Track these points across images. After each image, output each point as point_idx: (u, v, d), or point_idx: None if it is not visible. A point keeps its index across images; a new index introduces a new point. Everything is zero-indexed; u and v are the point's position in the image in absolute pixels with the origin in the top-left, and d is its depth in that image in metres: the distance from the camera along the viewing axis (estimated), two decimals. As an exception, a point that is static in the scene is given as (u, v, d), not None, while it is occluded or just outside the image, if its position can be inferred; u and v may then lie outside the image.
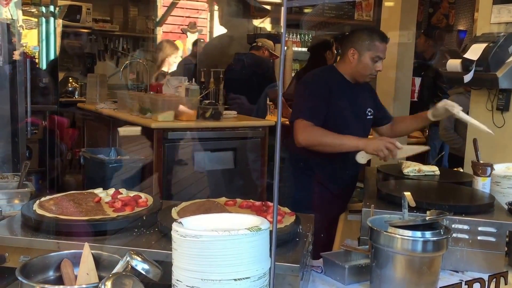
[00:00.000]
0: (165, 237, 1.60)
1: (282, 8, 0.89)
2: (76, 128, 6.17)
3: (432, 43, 5.84)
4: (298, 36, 7.85)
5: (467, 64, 2.99)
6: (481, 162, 2.24)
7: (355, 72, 2.78)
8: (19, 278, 1.24)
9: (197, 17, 7.15)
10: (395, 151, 2.45)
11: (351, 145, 2.54)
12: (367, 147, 2.51)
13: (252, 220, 1.31)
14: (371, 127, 2.99)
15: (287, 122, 2.88)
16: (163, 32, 7.57)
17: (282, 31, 0.88)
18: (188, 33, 7.38)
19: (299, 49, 7.70)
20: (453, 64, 3.09)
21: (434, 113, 2.76)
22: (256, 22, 7.29)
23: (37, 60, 5.52)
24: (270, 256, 1.24)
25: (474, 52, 2.99)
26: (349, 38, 2.86)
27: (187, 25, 7.25)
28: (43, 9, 5.68)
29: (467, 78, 2.97)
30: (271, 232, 1.24)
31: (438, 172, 2.45)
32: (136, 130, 3.98)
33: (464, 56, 3.02)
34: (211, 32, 7.66)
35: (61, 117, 5.42)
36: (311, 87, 2.78)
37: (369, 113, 2.88)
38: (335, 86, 2.76)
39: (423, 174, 2.43)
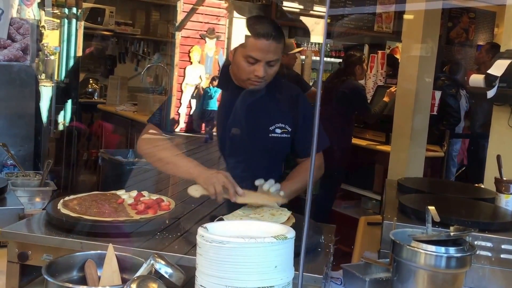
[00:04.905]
0: (188, 242, 1.60)
1: (324, 17, 0.90)
2: (93, 130, 6.23)
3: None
4: (317, 45, 7.85)
5: (491, 80, 2.97)
6: (505, 179, 2.22)
7: (234, 74, 2.15)
8: (45, 276, 1.26)
9: (216, 24, 7.17)
10: (235, 196, 1.82)
11: (183, 170, 2.02)
12: (199, 177, 1.91)
13: (277, 228, 1.30)
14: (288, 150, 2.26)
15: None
16: (182, 37, 7.62)
17: (322, 41, 0.89)
18: (207, 39, 7.42)
19: (317, 58, 7.71)
20: (476, 79, 3.07)
21: None
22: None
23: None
24: (296, 265, 1.23)
25: (498, 67, 2.97)
26: None
27: (206, 31, 7.28)
28: (66, 10, 5.74)
29: (491, 93, 2.95)
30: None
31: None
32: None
33: (487, 71, 3.00)
34: (229, 38, 7.69)
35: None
36: None
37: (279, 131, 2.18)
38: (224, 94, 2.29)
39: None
